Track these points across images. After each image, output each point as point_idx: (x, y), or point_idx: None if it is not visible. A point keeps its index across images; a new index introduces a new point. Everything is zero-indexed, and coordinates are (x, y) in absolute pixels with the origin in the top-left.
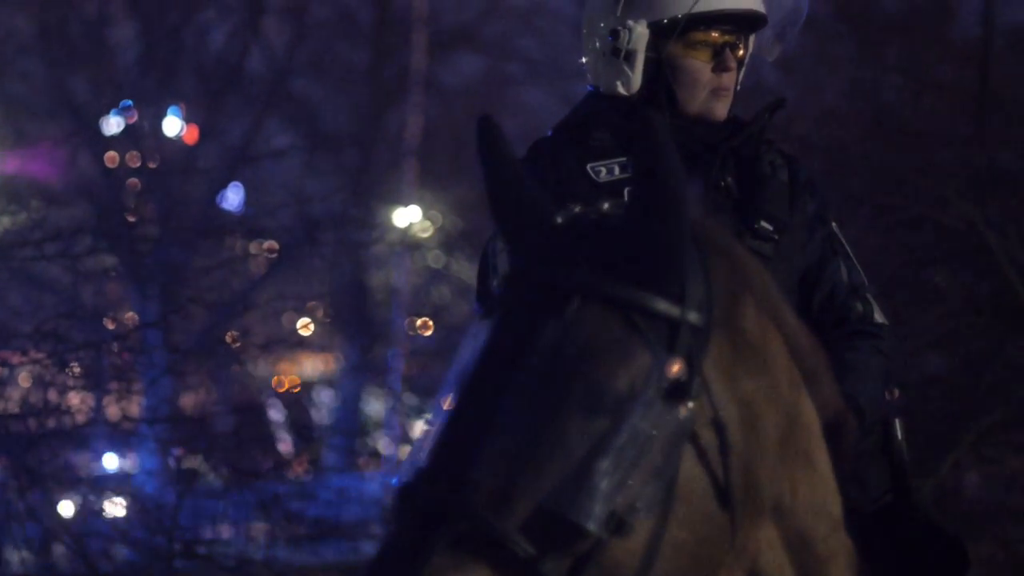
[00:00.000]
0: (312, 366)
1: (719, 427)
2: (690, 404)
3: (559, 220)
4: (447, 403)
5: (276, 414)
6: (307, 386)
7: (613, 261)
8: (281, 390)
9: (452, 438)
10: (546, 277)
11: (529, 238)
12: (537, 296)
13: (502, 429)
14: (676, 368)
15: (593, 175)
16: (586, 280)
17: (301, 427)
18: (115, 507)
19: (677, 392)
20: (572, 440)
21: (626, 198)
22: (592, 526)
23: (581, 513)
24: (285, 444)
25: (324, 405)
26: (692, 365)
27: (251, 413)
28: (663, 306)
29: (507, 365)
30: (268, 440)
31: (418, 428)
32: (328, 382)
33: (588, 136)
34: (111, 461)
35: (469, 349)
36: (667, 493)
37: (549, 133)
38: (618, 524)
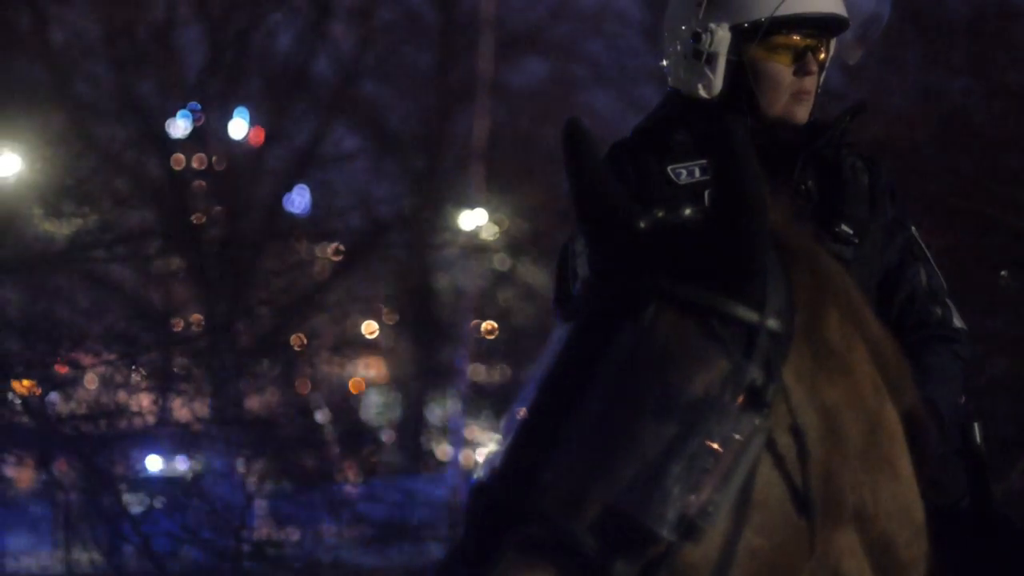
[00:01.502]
0: (378, 369)
1: (798, 434)
2: (766, 411)
3: (641, 224)
4: (526, 405)
5: (322, 417)
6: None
7: (692, 266)
8: (347, 392)
9: (528, 440)
10: (625, 281)
11: (611, 241)
12: (616, 301)
13: (577, 432)
14: (754, 374)
15: (673, 177)
16: (663, 285)
17: (348, 431)
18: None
19: (754, 398)
20: (645, 444)
21: (706, 202)
22: (661, 529)
23: (651, 516)
24: (332, 448)
25: (377, 407)
26: (770, 371)
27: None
28: (741, 312)
29: (584, 369)
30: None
31: (482, 431)
32: (393, 385)
33: (668, 138)
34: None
35: (550, 353)
36: (742, 498)
37: (629, 134)
38: (688, 528)
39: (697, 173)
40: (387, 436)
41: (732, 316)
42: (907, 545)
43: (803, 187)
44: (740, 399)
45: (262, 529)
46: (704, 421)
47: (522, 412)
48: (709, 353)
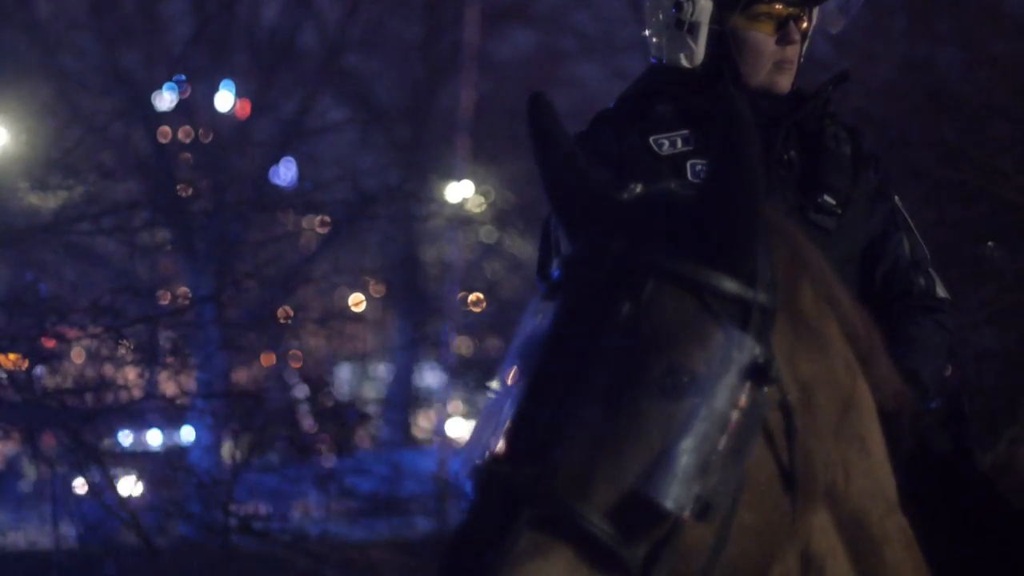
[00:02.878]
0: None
1: (787, 410)
2: (768, 387)
3: (624, 198)
4: (516, 382)
5: (301, 392)
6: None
7: (685, 240)
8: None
9: (529, 419)
10: (619, 256)
11: (592, 216)
12: (610, 276)
13: (581, 411)
14: (756, 350)
15: (656, 147)
16: (661, 260)
17: (332, 406)
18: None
19: (757, 374)
20: (653, 422)
21: (690, 174)
22: (679, 509)
23: (668, 496)
24: (308, 422)
25: (363, 380)
26: (768, 347)
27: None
28: (736, 287)
29: (582, 346)
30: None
31: (472, 404)
32: (380, 357)
33: (651, 108)
34: (156, 437)
35: (534, 327)
36: (741, 476)
37: (611, 105)
38: (703, 507)
39: (679, 143)
40: (373, 409)
41: (728, 291)
42: (879, 522)
43: (785, 157)
44: (744, 375)
45: (249, 503)
46: (710, 398)
47: (519, 389)
48: (709, 329)
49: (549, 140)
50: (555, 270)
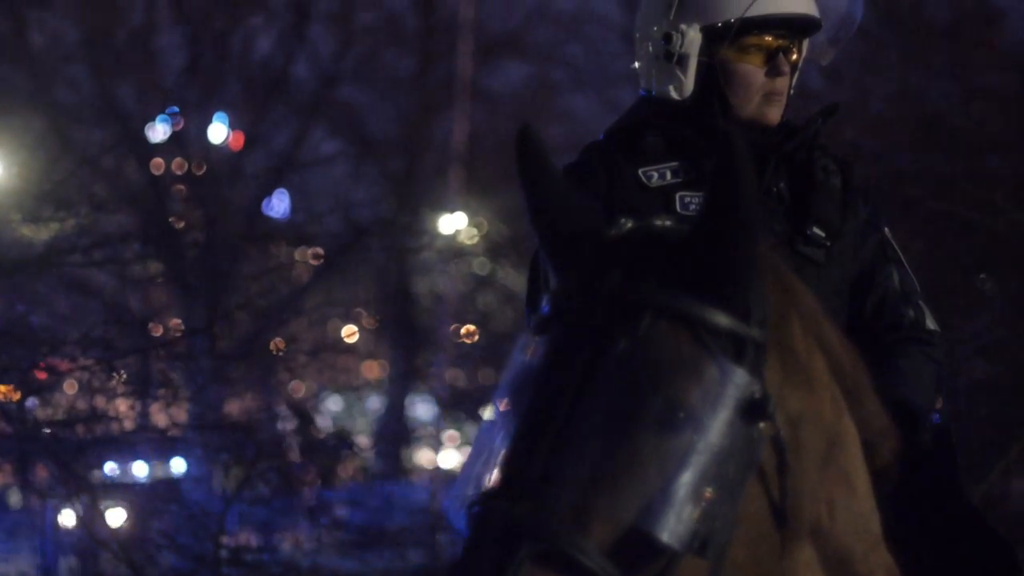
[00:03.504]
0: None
1: (779, 446)
2: (764, 424)
3: (615, 233)
4: (509, 416)
5: (288, 424)
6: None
7: (680, 275)
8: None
9: (525, 453)
10: (613, 291)
11: (582, 251)
12: (605, 310)
13: (578, 445)
14: (753, 387)
15: (645, 179)
16: (656, 295)
17: (322, 438)
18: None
19: (753, 409)
20: (650, 457)
21: (679, 206)
22: (677, 544)
23: (666, 531)
24: (293, 453)
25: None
26: (763, 382)
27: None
28: (730, 322)
29: (577, 380)
30: (317, 447)
31: (463, 436)
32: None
33: (640, 140)
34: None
35: (525, 361)
36: (736, 511)
37: (601, 136)
38: (702, 542)
39: (668, 175)
40: (366, 441)
41: (722, 327)
42: (864, 558)
43: (775, 190)
44: (741, 411)
45: (240, 535)
46: (707, 433)
47: (512, 423)
48: (704, 364)
49: (537, 174)
50: (545, 305)
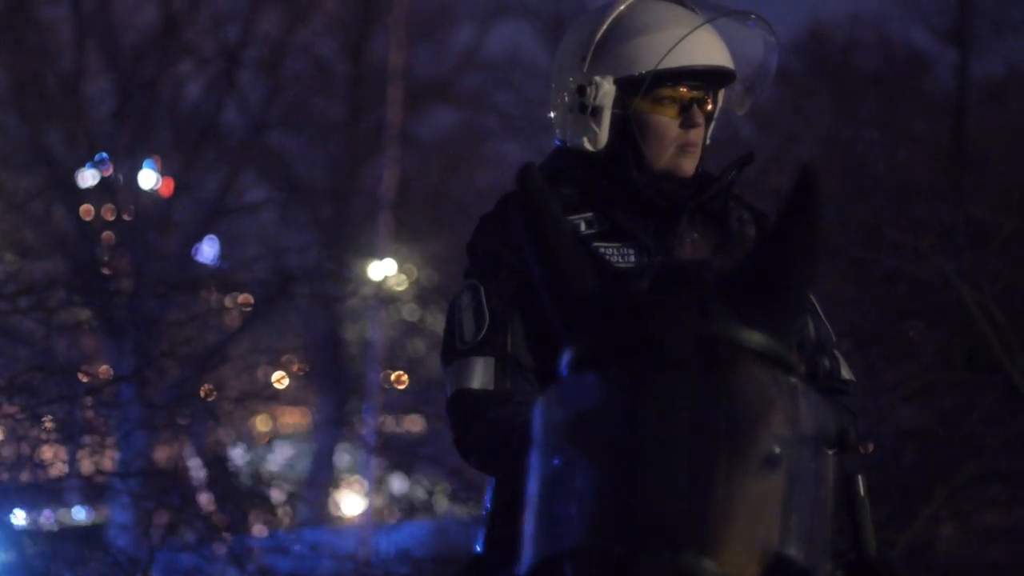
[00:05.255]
0: (287, 420)
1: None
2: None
3: (658, 271)
4: (607, 460)
5: (197, 472)
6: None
7: (750, 311)
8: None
9: (666, 498)
10: (702, 332)
11: (624, 294)
12: (691, 350)
13: (713, 487)
14: (835, 421)
15: None
16: (742, 333)
17: (221, 486)
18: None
19: (840, 442)
20: (775, 494)
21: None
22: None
23: (808, 563)
24: (207, 501)
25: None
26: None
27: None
28: (789, 356)
29: (693, 421)
30: (242, 494)
31: (391, 482)
32: (302, 436)
33: (555, 191)
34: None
35: (600, 405)
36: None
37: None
38: (833, 572)
39: (583, 226)
40: (292, 487)
41: (787, 362)
42: None
43: (688, 240)
44: (821, 438)
45: None
46: (810, 463)
47: (621, 466)
48: (792, 402)
49: (547, 217)
50: (598, 347)
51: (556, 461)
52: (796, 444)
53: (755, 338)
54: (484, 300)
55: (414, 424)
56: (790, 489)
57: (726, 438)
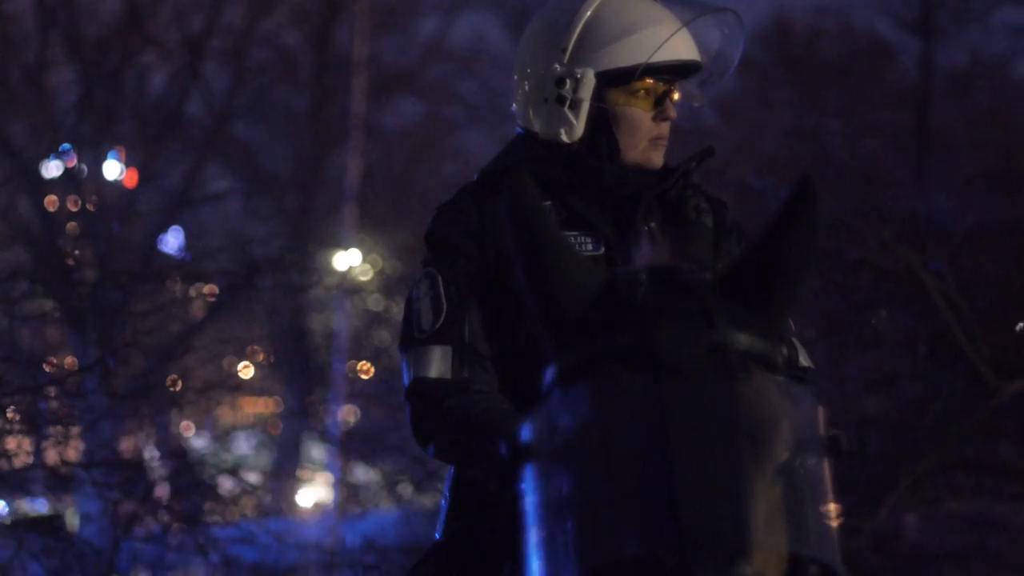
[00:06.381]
0: (253, 410)
1: None
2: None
3: (661, 279)
4: (635, 467)
5: (155, 463)
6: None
7: (751, 319)
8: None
9: (694, 510)
10: (706, 340)
11: (626, 301)
12: (704, 360)
13: (744, 497)
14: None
15: None
16: (746, 342)
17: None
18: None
19: (831, 445)
20: (807, 497)
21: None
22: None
23: (837, 563)
24: (167, 491)
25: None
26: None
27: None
28: (780, 360)
29: (712, 433)
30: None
31: (356, 471)
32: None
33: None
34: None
35: (622, 413)
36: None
37: (475, 177)
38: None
39: None
40: (257, 477)
41: (779, 365)
42: None
43: (646, 228)
44: (825, 447)
45: (132, 573)
46: (821, 462)
47: (653, 477)
48: (800, 406)
49: (539, 224)
50: (603, 355)
51: (573, 471)
52: (808, 447)
53: (757, 344)
54: (442, 289)
55: (379, 414)
56: (807, 491)
57: (752, 444)
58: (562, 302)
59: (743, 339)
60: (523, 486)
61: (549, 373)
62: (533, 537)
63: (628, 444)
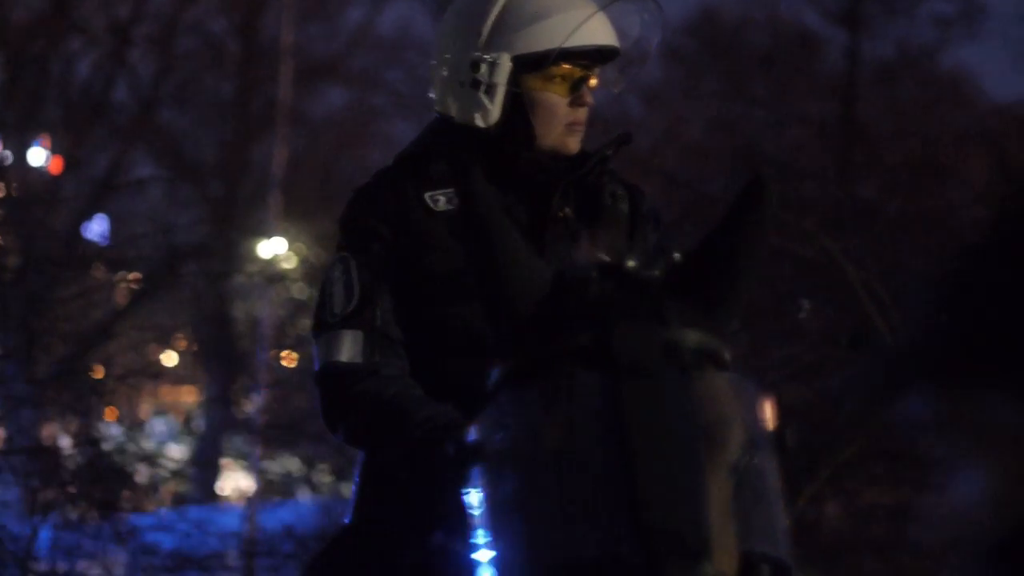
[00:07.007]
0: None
1: None
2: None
3: (610, 277)
4: (595, 465)
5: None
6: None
7: (700, 316)
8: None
9: (657, 510)
10: (659, 338)
11: (577, 299)
12: (659, 358)
13: (704, 496)
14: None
15: (431, 203)
16: (698, 339)
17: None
18: None
19: (779, 441)
20: (769, 496)
21: (679, 255)
22: (792, 566)
23: (785, 556)
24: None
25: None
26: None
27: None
28: (727, 356)
29: (670, 432)
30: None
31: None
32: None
33: (427, 165)
34: None
35: (578, 411)
36: None
37: (391, 162)
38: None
39: (443, 201)
40: (175, 465)
41: (727, 361)
42: None
43: (560, 214)
44: (773, 443)
45: (49, 560)
46: (772, 467)
47: (613, 476)
48: (752, 402)
49: (493, 224)
50: (558, 354)
51: (526, 472)
52: (758, 443)
53: (708, 341)
54: (355, 273)
55: (301, 402)
56: (760, 488)
57: (709, 444)
58: (513, 300)
59: (694, 336)
60: (471, 487)
61: (497, 372)
62: (484, 538)
63: (585, 444)
